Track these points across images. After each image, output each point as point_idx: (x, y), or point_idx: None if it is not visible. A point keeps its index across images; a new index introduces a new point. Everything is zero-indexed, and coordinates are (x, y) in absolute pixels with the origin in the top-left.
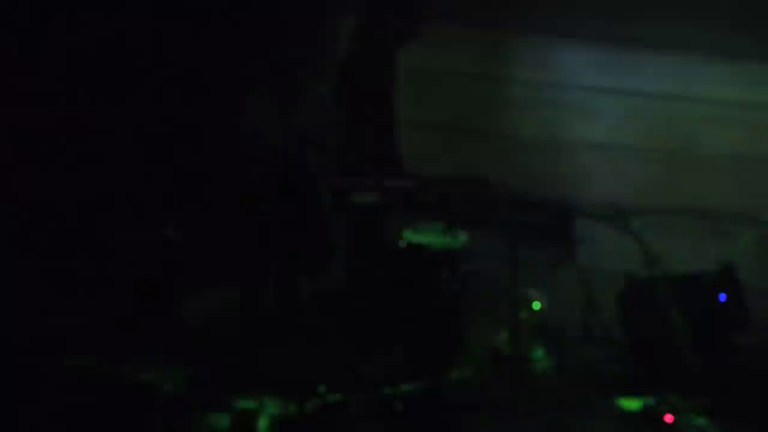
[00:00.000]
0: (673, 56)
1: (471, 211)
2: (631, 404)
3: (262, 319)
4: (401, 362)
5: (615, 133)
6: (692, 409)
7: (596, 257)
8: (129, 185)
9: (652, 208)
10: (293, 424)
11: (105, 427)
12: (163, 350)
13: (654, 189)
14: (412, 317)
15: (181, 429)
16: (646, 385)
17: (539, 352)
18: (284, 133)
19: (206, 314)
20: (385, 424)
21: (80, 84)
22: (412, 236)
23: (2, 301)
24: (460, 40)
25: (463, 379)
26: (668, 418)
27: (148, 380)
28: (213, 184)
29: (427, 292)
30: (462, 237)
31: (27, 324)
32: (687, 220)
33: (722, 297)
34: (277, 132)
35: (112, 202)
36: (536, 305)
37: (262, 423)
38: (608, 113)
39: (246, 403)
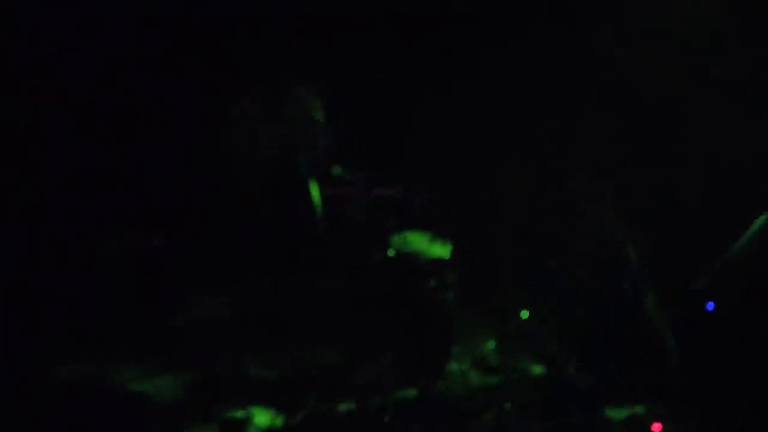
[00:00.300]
0: None
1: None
2: (618, 413)
3: (251, 326)
4: (389, 370)
5: None
6: (679, 418)
7: None
8: (119, 193)
9: None
10: None
11: None
12: (153, 359)
13: None
14: (400, 325)
15: None
16: (634, 394)
17: (526, 362)
18: (273, 137)
19: (196, 323)
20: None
21: (71, 92)
22: (400, 244)
23: None
24: None
25: (451, 388)
26: (656, 427)
27: (139, 389)
28: (202, 189)
29: (416, 300)
30: (450, 245)
31: (18, 334)
32: None
33: (710, 306)
34: (266, 137)
35: (104, 209)
36: (524, 314)
37: None
38: None
39: (234, 413)
